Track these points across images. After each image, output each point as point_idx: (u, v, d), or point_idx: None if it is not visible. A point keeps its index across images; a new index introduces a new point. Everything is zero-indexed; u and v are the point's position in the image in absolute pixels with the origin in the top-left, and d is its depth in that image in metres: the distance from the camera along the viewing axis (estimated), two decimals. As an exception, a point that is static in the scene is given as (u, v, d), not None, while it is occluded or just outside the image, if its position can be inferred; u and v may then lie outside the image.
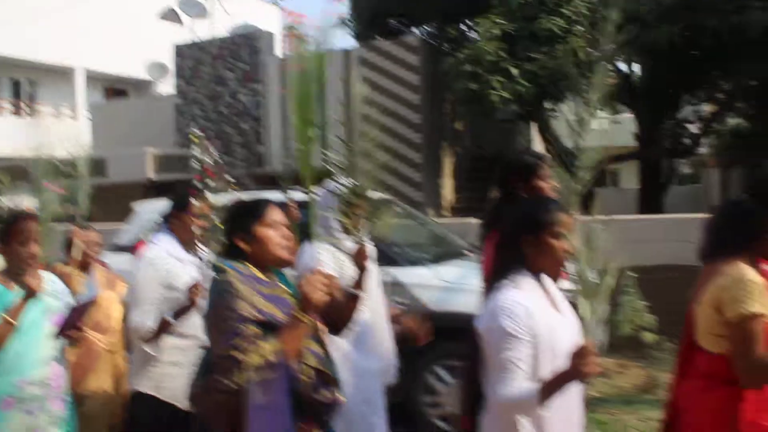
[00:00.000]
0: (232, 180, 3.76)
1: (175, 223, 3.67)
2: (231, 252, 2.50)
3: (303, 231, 3.43)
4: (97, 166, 14.88)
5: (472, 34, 11.14)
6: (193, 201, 3.59)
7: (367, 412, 3.30)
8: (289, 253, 2.54)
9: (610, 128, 21.61)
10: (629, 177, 22.91)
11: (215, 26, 18.34)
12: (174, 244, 3.64)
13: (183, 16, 19.37)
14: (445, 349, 4.89)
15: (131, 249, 5.28)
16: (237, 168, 13.43)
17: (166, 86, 20.64)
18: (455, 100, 10.89)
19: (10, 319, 2.97)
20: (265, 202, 2.58)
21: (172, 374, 3.48)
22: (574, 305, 2.17)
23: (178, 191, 3.76)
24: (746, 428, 2.40)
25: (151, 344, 3.53)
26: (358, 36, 14.49)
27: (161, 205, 6.03)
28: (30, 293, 2.99)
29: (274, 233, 2.50)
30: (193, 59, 14.26)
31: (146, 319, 3.48)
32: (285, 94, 12.93)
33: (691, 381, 2.60)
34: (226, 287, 2.35)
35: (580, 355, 2.04)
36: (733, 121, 13.70)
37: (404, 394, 4.58)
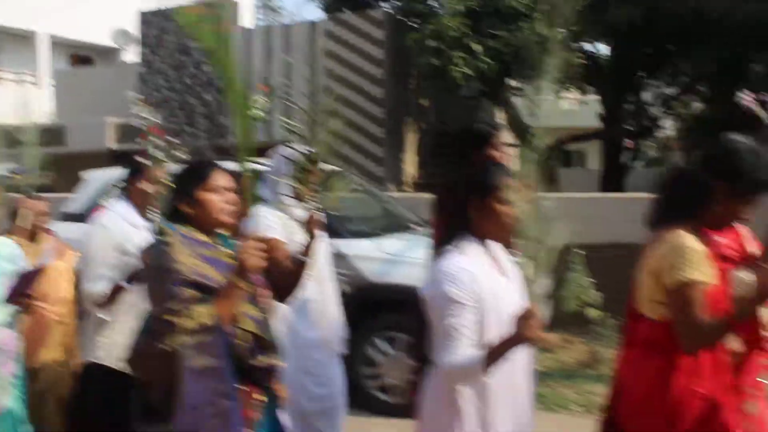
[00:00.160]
0: (180, 143, 3.75)
1: (130, 188, 3.65)
2: (175, 215, 2.51)
3: (255, 198, 3.44)
4: (57, 134, 14.66)
5: (438, 9, 11.06)
6: (147, 166, 3.57)
7: (309, 382, 3.30)
8: (231, 217, 2.54)
9: (577, 108, 21.76)
10: (596, 158, 23.09)
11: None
12: (129, 209, 3.61)
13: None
14: (385, 321, 4.93)
15: (82, 217, 5.22)
16: (200, 139, 13.31)
17: (133, 54, 20.32)
18: (419, 75, 10.85)
19: None
20: (210, 167, 2.57)
21: (125, 342, 3.44)
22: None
23: (132, 157, 3.73)
24: (680, 395, 2.41)
25: (104, 310, 3.49)
26: (328, 8, 14.37)
27: (112, 173, 5.99)
28: None
29: (217, 198, 2.50)
30: (158, 27, 14.03)
31: (100, 284, 3.43)
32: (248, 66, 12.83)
33: (631, 349, 2.62)
34: (165, 249, 2.35)
35: (524, 318, 2.03)
36: (697, 105, 13.83)
37: (344, 367, 4.61)
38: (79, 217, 5.53)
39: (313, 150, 2.98)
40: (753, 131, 3.12)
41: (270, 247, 3.12)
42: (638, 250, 2.63)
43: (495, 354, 2.09)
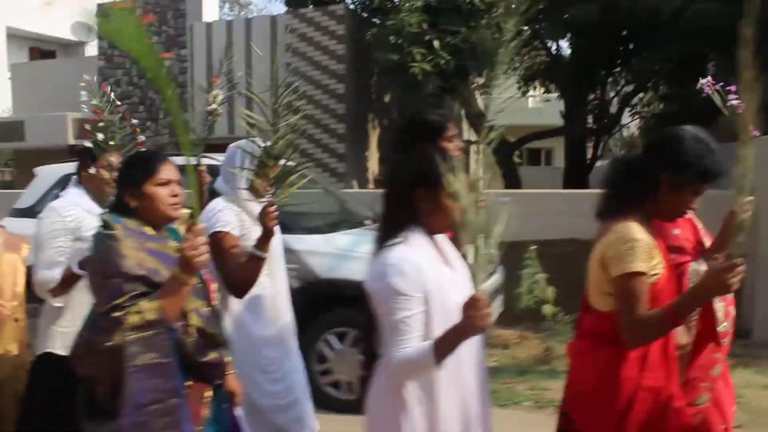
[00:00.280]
0: (133, 129, 3.72)
1: (84, 176, 3.59)
2: (121, 208, 2.47)
3: (211, 192, 3.40)
4: (16, 129, 14.40)
5: (398, 4, 11.06)
6: (100, 151, 3.52)
7: (262, 380, 3.26)
8: (177, 210, 2.51)
9: (542, 107, 21.93)
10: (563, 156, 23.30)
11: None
12: (83, 195, 3.55)
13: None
14: (335, 316, 4.91)
15: (32, 213, 5.14)
16: (161, 134, 13.17)
17: (95, 48, 20.03)
18: (380, 71, 10.83)
19: None
20: (158, 159, 2.53)
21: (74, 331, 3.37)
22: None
23: (85, 145, 3.67)
24: (629, 388, 2.38)
25: (57, 297, 3.42)
26: (289, 3, 14.30)
27: (63, 167, 5.89)
28: None
29: (164, 191, 2.46)
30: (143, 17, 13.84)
31: (52, 271, 3.35)
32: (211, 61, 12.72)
33: (580, 341, 2.60)
34: (109, 242, 2.31)
35: (471, 307, 1.97)
36: (656, 103, 14.02)
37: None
38: (30, 213, 5.43)
39: (273, 144, 2.94)
40: (711, 126, 3.14)
41: (225, 241, 3.14)
42: (591, 245, 2.63)
43: (444, 346, 2.06)
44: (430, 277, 2.17)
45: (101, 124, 3.60)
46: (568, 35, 11.40)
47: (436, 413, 2.21)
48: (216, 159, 4.22)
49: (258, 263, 3.04)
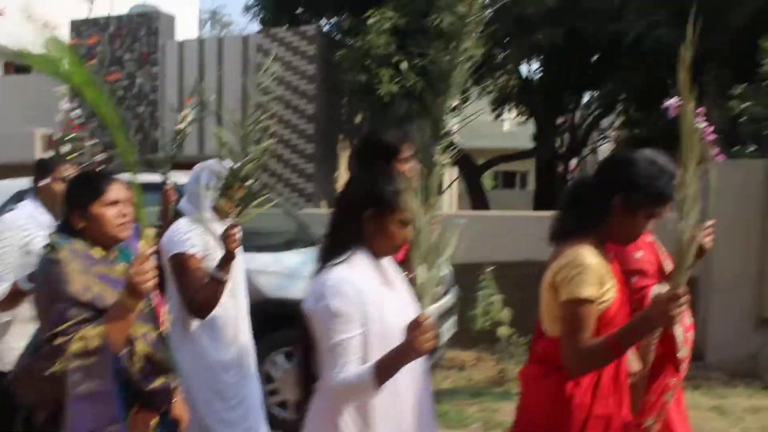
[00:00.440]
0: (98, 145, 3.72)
1: (39, 188, 3.58)
2: (68, 229, 2.43)
3: (176, 212, 3.39)
4: (-18, 145, 14.23)
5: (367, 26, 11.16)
6: (55, 164, 3.50)
7: (220, 407, 3.23)
8: (126, 231, 2.47)
9: (515, 130, 22.07)
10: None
11: (116, 4, 17.78)
12: (38, 208, 3.53)
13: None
14: (283, 336, 4.90)
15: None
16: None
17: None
18: (349, 92, 10.88)
19: None
20: (106, 179, 2.49)
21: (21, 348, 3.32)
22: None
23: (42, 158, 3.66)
24: (579, 415, 2.33)
25: (3, 311, 3.37)
26: (265, 23, 14.35)
27: (17, 183, 5.85)
28: None
29: (112, 211, 2.43)
30: (89, 37, 13.80)
31: (1, 284, 3.32)
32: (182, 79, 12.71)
33: (531, 366, 2.55)
34: (55, 267, 2.27)
35: (414, 329, 1.94)
36: (627, 129, 14.20)
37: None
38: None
39: (240, 165, 2.95)
40: (677, 149, 3.14)
41: (188, 261, 3.13)
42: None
43: (384, 369, 2.03)
44: (371, 299, 2.14)
45: (71, 136, 3.59)
46: (536, 59, 11.56)
47: None
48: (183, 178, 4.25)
49: (220, 285, 3.03)
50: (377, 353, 2.08)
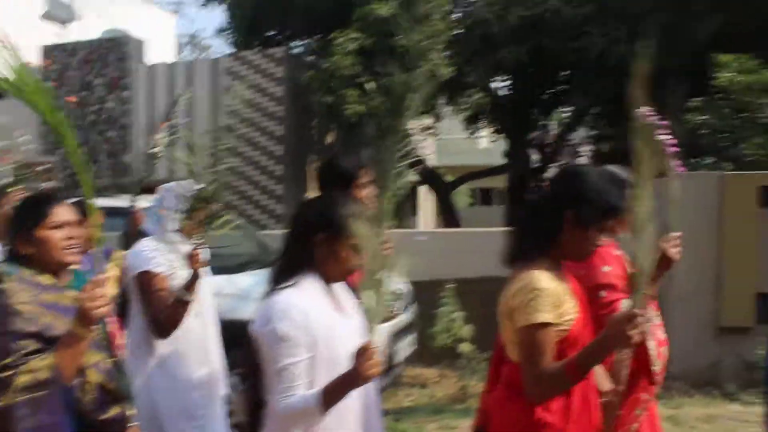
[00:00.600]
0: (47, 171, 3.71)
1: None
2: (15, 256, 2.34)
3: (141, 234, 3.39)
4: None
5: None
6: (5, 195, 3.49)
7: (186, 426, 3.21)
8: (74, 255, 2.38)
9: (491, 147, 22.21)
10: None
11: (88, 29, 17.79)
12: None
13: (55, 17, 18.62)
14: (235, 358, 4.88)
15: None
16: (101, 177, 13.07)
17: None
18: (316, 112, 10.96)
19: None
20: (50, 201, 2.40)
21: None
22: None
23: None
24: None
25: None
26: (237, 46, 14.43)
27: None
28: None
29: (58, 234, 2.32)
30: (60, 62, 13.80)
31: None
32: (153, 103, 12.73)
33: (496, 390, 2.46)
34: (1, 298, 2.17)
35: (361, 355, 1.94)
36: (594, 144, 14.34)
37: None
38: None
39: (205, 187, 2.98)
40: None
41: (152, 281, 3.14)
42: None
43: (331, 395, 2.02)
44: (319, 324, 2.13)
45: (10, 165, 3.58)
46: (503, 77, 11.69)
47: None
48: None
49: (184, 305, 3.04)
50: (325, 378, 2.07)
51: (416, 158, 2.84)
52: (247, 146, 11.68)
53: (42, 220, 2.33)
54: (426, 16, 9.97)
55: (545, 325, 2.17)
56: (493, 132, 15.84)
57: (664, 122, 2.73)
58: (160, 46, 17.84)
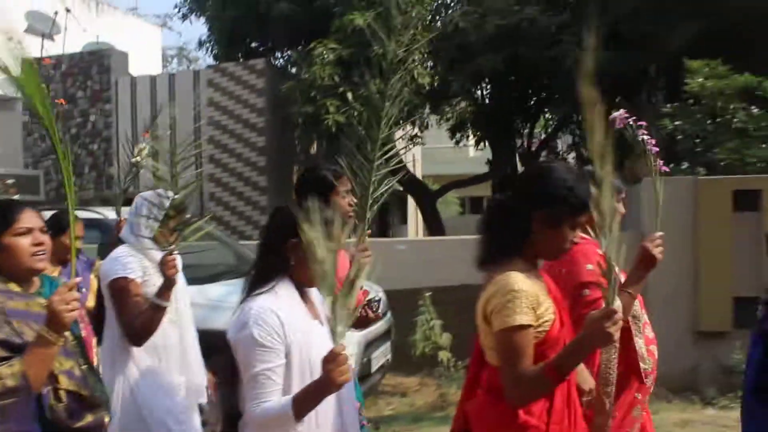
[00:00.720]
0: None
1: None
2: None
3: (119, 241, 3.41)
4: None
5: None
6: None
7: (173, 426, 3.24)
8: (41, 261, 2.38)
9: (479, 155, 22.24)
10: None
11: (74, 43, 17.76)
12: None
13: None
14: (207, 368, 4.88)
15: None
16: (86, 189, 13.04)
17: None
18: (296, 123, 10.98)
19: None
20: (15, 208, 2.40)
21: None
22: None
23: None
24: None
25: None
26: (218, 58, 14.45)
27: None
28: None
29: (24, 241, 2.33)
30: (42, 75, 13.75)
31: None
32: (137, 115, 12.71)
33: (477, 396, 2.43)
34: None
35: (329, 362, 1.95)
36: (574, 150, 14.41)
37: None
38: None
39: (178, 196, 3.00)
40: (622, 168, 3.09)
41: (127, 287, 3.15)
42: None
43: (303, 401, 2.03)
44: (293, 329, 2.14)
45: None
46: (482, 85, 11.75)
47: None
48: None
49: (158, 312, 3.06)
50: (299, 383, 2.09)
51: (397, 165, 2.85)
52: (231, 157, 11.68)
53: (8, 227, 2.32)
54: (404, 26, 9.99)
55: (524, 327, 2.15)
56: (477, 140, 15.88)
57: (642, 123, 2.76)
58: (146, 59, 17.84)
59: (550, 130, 13.81)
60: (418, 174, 19.82)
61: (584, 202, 2.21)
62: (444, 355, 6.35)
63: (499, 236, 2.32)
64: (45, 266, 2.41)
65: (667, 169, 2.96)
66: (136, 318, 3.09)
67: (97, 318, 3.37)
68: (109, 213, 5.81)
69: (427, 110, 13.55)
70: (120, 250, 3.28)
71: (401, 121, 10.69)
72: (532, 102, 11.87)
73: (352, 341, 4.72)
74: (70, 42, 17.01)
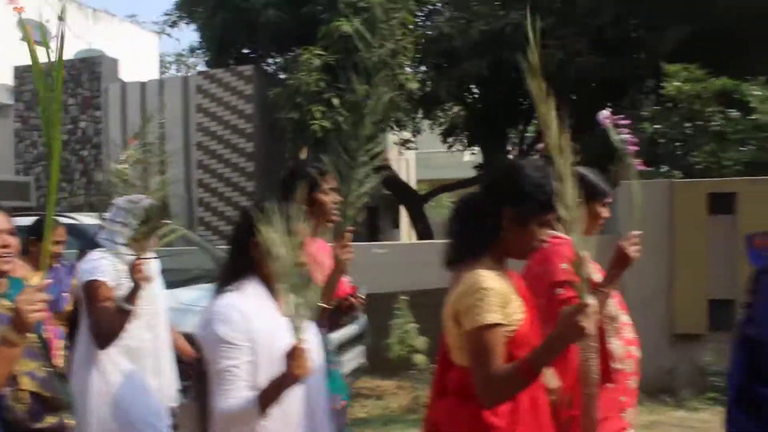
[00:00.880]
0: None
1: None
2: None
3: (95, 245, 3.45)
4: None
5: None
6: None
7: (154, 419, 3.29)
8: (7, 263, 2.39)
9: (473, 159, 22.25)
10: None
11: (70, 50, 17.84)
12: None
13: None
14: (177, 370, 4.90)
15: None
16: (76, 195, 13.10)
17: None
18: (284, 129, 11.03)
19: None
20: None
21: None
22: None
23: None
24: None
25: None
26: (210, 64, 14.51)
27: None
28: None
29: None
30: (33, 83, 13.80)
31: None
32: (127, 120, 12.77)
33: (445, 397, 2.36)
34: None
35: (290, 356, 1.99)
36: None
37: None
38: None
39: (152, 201, 3.04)
40: (607, 170, 3.09)
41: (98, 290, 3.17)
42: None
43: (267, 396, 2.06)
44: (260, 326, 2.16)
45: None
46: (469, 90, 11.78)
47: None
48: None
49: (124, 315, 3.08)
50: (265, 380, 2.11)
51: (381, 165, 2.87)
52: (219, 163, 11.73)
53: None
54: (390, 32, 10.07)
55: (494, 325, 2.11)
56: (468, 144, 15.91)
57: (626, 122, 2.76)
58: (144, 66, 17.93)
59: (539, 133, 13.84)
60: (412, 178, 19.84)
61: (552, 199, 2.11)
62: (419, 359, 6.36)
63: (468, 235, 2.30)
64: (10, 268, 2.40)
65: (645, 167, 2.95)
66: (102, 320, 3.12)
67: (70, 319, 3.40)
68: (85, 219, 5.86)
69: (419, 115, 13.60)
70: (94, 254, 3.32)
71: (391, 127, 10.73)
72: (526, 105, 11.89)
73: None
74: (69, 50, 17.01)
